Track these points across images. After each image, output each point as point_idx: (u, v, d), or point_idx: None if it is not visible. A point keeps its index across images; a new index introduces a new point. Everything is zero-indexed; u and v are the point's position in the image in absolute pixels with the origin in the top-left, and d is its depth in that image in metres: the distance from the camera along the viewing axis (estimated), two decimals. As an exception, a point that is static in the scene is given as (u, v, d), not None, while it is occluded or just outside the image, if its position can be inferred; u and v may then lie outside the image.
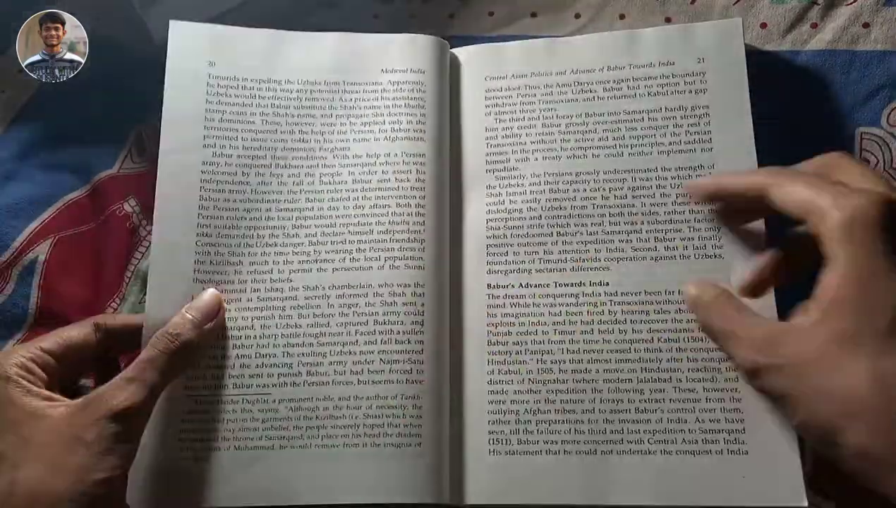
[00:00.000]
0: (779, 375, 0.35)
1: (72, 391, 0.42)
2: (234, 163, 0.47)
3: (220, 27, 0.49)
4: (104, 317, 0.44)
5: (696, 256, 0.43)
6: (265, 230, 0.46)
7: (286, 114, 0.48)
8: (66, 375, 0.42)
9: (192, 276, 0.45)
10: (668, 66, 0.47)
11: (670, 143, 0.46)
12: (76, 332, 0.43)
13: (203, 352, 0.43)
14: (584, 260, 0.44)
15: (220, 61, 0.48)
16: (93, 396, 0.39)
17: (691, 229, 0.44)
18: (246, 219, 0.46)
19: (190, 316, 0.42)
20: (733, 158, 0.44)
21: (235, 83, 0.48)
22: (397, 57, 0.48)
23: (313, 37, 0.50)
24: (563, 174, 0.46)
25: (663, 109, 0.46)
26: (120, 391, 0.39)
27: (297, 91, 0.48)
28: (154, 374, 0.40)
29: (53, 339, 0.42)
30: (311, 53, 0.49)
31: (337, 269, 0.44)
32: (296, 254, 0.45)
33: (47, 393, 0.39)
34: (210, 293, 0.44)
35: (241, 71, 0.48)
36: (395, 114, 0.47)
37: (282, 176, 0.47)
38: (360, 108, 0.48)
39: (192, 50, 0.49)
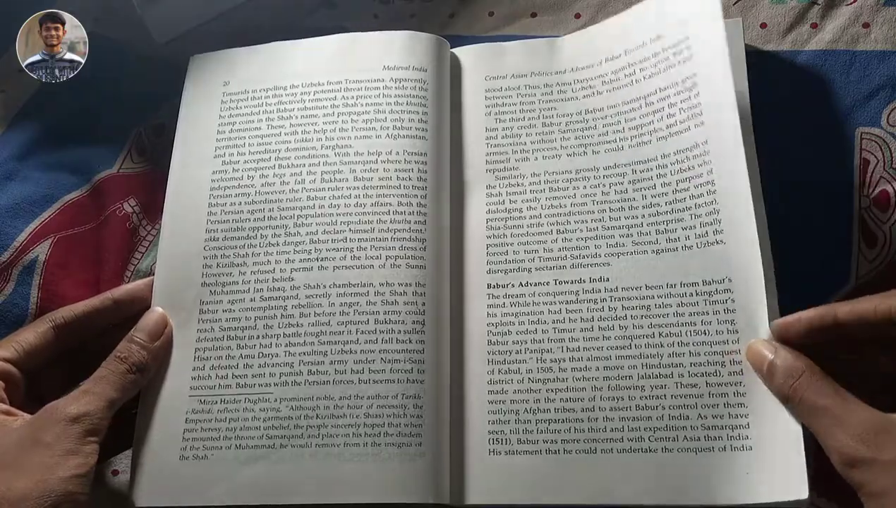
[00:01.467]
0: (882, 472, 0.33)
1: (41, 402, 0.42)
2: (241, 169, 0.48)
3: (234, 50, 0.51)
4: (61, 313, 0.44)
5: (699, 245, 0.43)
6: (268, 230, 0.46)
7: (290, 116, 0.48)
8: (32, 381, 0.43)
9: (200, 281, 0.46)
10: (658, 41, 0.47)
11: (668, 126, 0.45)
12: (32, 335, 0.43)
13: (161, 367, 0.44)
14: (583, 257, 0.44)
15: (234, 79, 0.50)
16: (49, 405, 0.39)
17: (693, 216, 0.43)
18: (250, 220, 0.46)
19: (137, 338, 0.43)
20: (734, 159, 0.44)
21: (245, 95, 0.50)
22: (399, 54, 0.49)
23: (316, 41, 0.50)
24: (562, 172, 0.46)
25: (657, 91, 0.46)
26: (76, 400, 0.40)
27: (301, 93, 0.49)
28: (108, 389, 0.41)
29: (10, 346, 0.42)
30: (314, 57, 0.50)
31: (338, 268, 0.44)
32: (297, 252, 0.45)
33: (5, 407, 0.40)
34: (156, 313, 0.45)
35: (251, 84, 0.50)
36: (397, 112, 0.47)
37: (284, 175, 0.47)
38: (362, 105, 0.48)
39: (210, 76, 0.50)
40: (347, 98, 0.48)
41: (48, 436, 0.38)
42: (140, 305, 0.45)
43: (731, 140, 0.43)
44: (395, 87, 0.48)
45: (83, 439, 0.38)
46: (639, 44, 0.47)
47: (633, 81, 0.47)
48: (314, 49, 0.50)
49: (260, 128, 0.48)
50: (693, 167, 0.44)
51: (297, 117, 0.48)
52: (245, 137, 0.48)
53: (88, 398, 0.40)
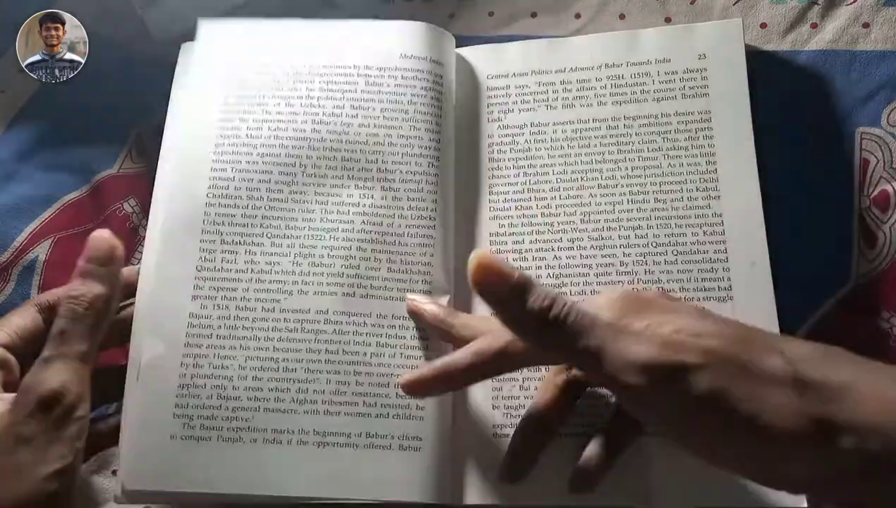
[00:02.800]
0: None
1: None
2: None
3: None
4: (42, 296, 0.42)
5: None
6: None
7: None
8: (27, 365, 0.40)
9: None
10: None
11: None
12: (21, 320, 0.40)
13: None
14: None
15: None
16: (21, 388, 0.37)
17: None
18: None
19: (91, 269, 0.39)
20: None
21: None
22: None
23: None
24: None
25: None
26: (41, 375, 0.36)
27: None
28: (73, 344, 0.37)
29: (2, 332, 0.40)
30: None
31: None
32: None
33: None
34: (97, 234, 0.40)
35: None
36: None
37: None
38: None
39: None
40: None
41: (27, 430, 0.35)
42: (125, 290, 0.43)
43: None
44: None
45: (62, 422, 0.36)
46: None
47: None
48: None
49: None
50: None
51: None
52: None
53: (54, 368, 0.37)
